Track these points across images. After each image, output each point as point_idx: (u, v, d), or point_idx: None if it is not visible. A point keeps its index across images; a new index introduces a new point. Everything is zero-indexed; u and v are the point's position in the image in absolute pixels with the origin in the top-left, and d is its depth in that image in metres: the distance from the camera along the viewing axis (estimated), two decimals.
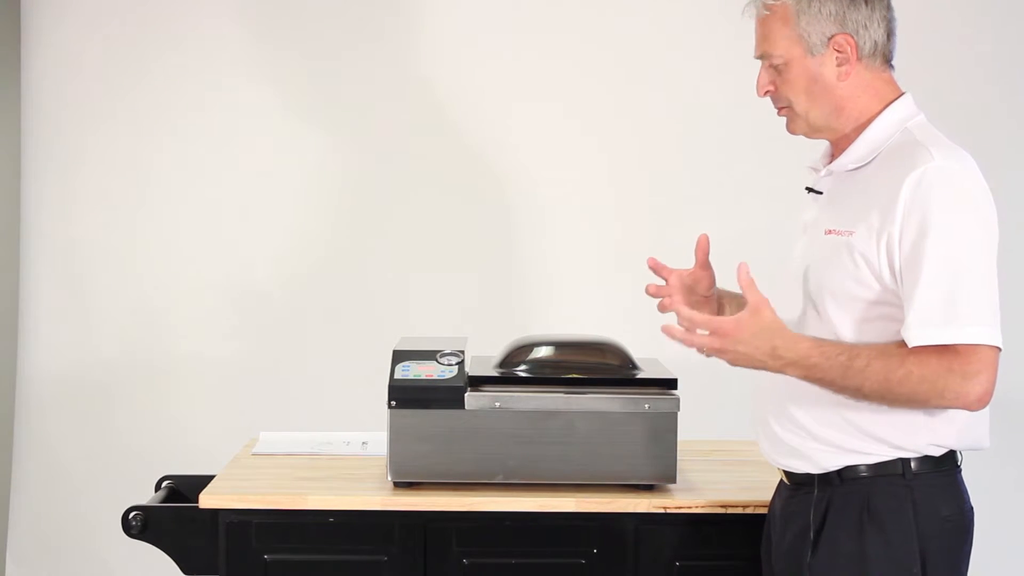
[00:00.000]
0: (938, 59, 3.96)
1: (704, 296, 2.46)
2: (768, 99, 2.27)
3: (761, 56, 2.22)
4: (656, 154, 4.06)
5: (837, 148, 2.24)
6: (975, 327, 2.00)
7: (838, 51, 2.16)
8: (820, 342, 2.07)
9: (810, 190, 2.28)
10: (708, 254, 2.41)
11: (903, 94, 2.21)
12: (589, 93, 4.05)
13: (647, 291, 2.42)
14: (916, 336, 2.01)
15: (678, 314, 2.12)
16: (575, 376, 2.64)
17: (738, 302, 2.44)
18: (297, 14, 4.05)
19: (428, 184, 4.07)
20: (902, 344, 2.04)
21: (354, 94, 4.07)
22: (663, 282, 2.44)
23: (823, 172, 2.25)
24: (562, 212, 4.07)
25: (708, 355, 2.11)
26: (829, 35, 2.15)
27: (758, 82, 2.23)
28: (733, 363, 2.10)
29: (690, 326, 2.09)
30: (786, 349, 2.06)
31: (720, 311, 2.48)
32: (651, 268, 2.44)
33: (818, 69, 2.17)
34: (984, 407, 2.02)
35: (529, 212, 4.08)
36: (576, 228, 4.07)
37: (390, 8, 4.06)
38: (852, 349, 2.05)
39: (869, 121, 2.17)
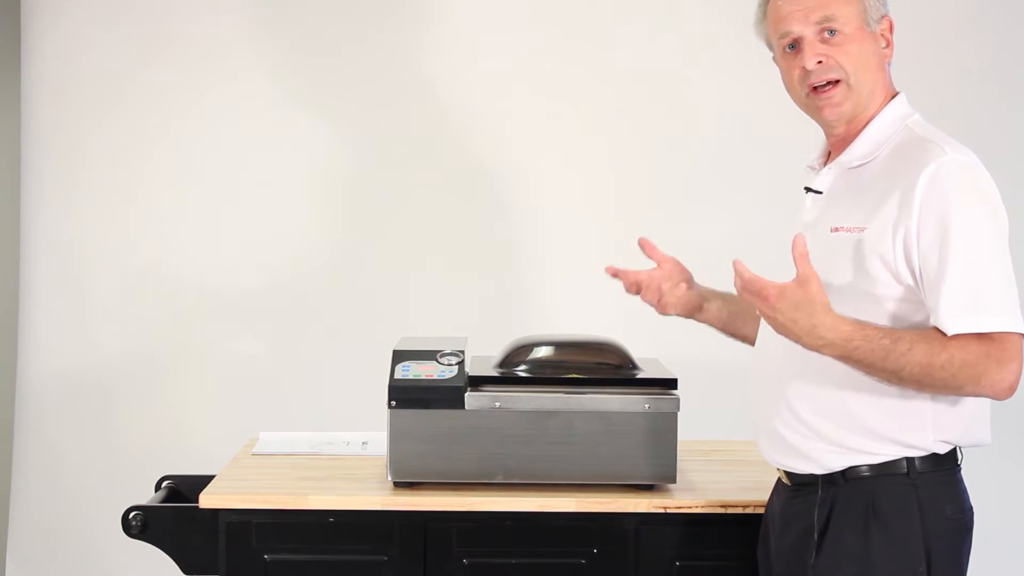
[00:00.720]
0: (935, 58, 3.96)
1: (687, 285, 2.53)
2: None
3: (822, 20, 2.15)
4: (656, 154, 4.06)
5: (835, 147, 2.24)
6: (1004, 315, 2.00)
7: (882, 34, 2.17)
8: (862, 325, 2.03)
9: (809, 190, 2.27)
10: (655, 249, 2.51)
11: (899, 93, 2.21)
12: (591, 94, 4.05)
13: (628, 289, 2.52)
14: (952, 325, 2.00)
15: (735, 268, 2.04)
16: (575, 376, 2.64)
17: (723, 299, 2.51)
18: (297, 15, 4.05)
19: (428, 184, 4.07)
20: (937, 330, 2.03)
21: (355, 95, 4.07)
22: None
23: (823, 171, 2.24)
24: (563, 212, 4.07)
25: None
26: (882, 14, 2.17)
27: (808, 51, 2.15)
28: (774, 329, 2.05)
29: (741, 281, 2.04)
30: (827, 329, 2.01)
31: (701, 306, 2.53)
32: (611, 275, 2.54)
33: (873, 44, 2.16)
34: (1012, 395, 2.02)
35: (530, 212, 4.08)
36: (576, 228, 4.07)
37: (392, 7, 4.06)
38: (894, 333, 2.03)
39: (871, 117, 2.17)
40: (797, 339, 2.03)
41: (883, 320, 2.08)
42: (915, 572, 2.09)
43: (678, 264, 2.53)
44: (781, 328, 2.03)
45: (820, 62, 2.15)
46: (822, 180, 2.24)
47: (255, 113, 4.06)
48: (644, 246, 2.52)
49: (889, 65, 2.22)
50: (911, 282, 2.07)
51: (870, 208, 2.10)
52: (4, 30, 4.07)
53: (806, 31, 2.16)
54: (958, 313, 2.00)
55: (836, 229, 2.15)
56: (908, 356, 2.00)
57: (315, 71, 4.07)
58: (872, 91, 2.17)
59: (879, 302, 2.09)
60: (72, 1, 4.05)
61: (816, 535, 2.15)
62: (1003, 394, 2.01)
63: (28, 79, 4.08)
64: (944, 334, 2.01)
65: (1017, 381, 2.01)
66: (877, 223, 2.08)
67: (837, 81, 2.15)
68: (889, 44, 2.18)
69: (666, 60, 4.05)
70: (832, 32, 2.14)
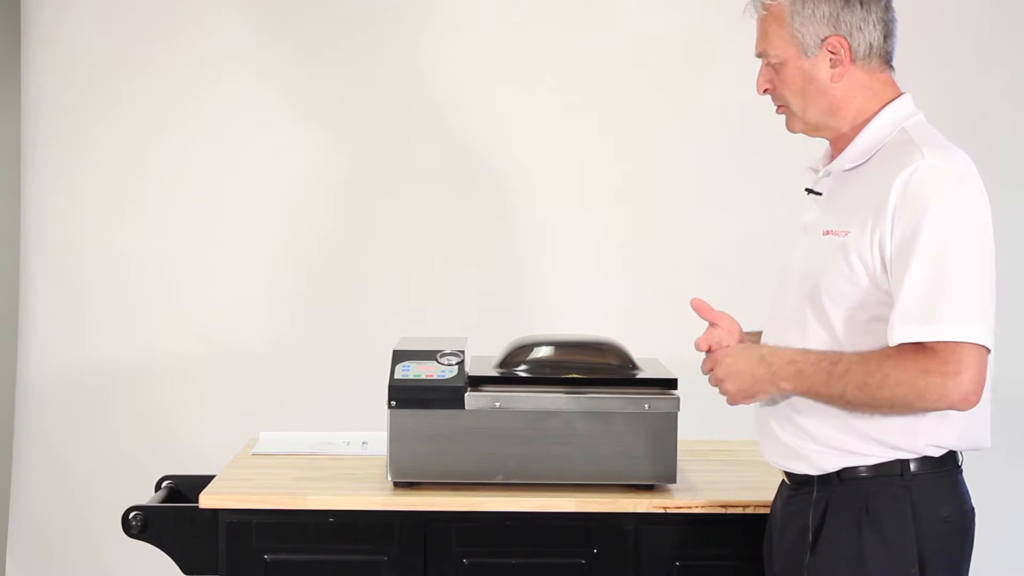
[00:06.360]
0: (940, 58, 3.96)
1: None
2: (769, 99, 2.28)
3: (760, 54, 2.24)
4: (659, 153, 4.06)
5: (836, 149, 2.25)
6: (955, 325, 2.00)
7: (832, 52, 2.17)
8: (805, 350, 2.13)
9: (810, 191, 2.28)
10: (710, 309, 2.34)
11: (902, 94, 2.21)
12: (594, 92, 4.05)
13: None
14: (896, 334, 2.03)
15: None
16: (575, 376, 2.63)
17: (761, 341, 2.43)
18: (296, 13, 4.05)
19: (428, 183, 4.07)
20: (884, 348, 2.06)
21: (355, 93, 4.07)
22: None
23: (822, 173, 2.25)
24: (563, 212, 4.07)
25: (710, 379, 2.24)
26: (823, 37, 2.17)
27: (757, 80, 2.26)
28: (732, 388, 2.20)
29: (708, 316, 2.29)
30: (772, 355, 2.15)
31: None
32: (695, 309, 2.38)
33: (812, 70, 2.18)
34: (972, 406, 2.02)
35: (530, 212, 4.08)
36: (577, 228, 4.07)
37: (391, 4, 4.06)
38: (834, 355, 2.09)
39: (866, 121, 2.18)
40: (752, 377, 2.17)
41: (869, 324, 2.10)
42: (908, 574, 2.09)
43: (733, 321, 2.37)
44: (736, 376, 2.20)
45: (766, 90, 2.26)
46: (822, 182, 2.26)
47: (254, 112, 4.05)
48: (698, 309, 2.34)
49: (890, 68, 2.20)
50: (887, 286, 2.08)
51: (853, 212, 2.12)
52: (4, 30, 4.07)
53: (759, 58, 2.26)
54: (904, 322, 2.02)
55: (827, 232, 2.16)
56: (846, 378, 2.06)
57: (315, 69, 4.06)
58: (827, 111, 2.19)
59: (864, 305, 2.10)
60: (72, 1, 4.05)
61: (811, 535, 2.16)
62: (958, 406, 2.02)
63: (28, 79, 4.08)
64: (888, 350, 2.04)
65: (972, 392, 2.00)
66: (858, 227, 2.10)
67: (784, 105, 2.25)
68: (843, 61, 2.17)
69: (670, 56, 4.04)
70: (772, 64, 2.22)
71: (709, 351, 2.28)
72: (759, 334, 2.41)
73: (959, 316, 2.00)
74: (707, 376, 2.26)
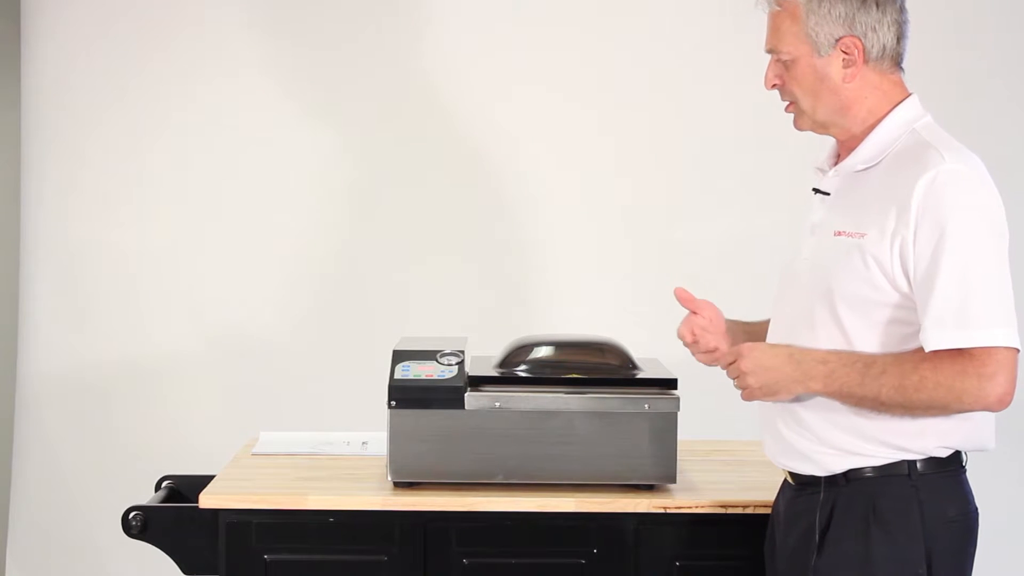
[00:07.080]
0: (944, 58, 3.95)
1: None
2: (775, 96, 2.27)
3: (770, 50, 2.22)
4: (659, 154, 4.06)
5: (844, 149, 2.24)
6: (989, 329, 2.01)
7: (845, 53, 2.16)
8: (834, 350, 2.11)
9: (817, 191, 2.28)
10: (692, 299, 2.35)
11: (910, 95, 2.21)
12: (596, 92, 4.05)
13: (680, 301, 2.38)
14: (932, 340, 2.03)
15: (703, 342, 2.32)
16: (575, 376, 2.63)
17: (745, 331, 2.43)
18: (298, 13, 4.05)
19: (429, 183, 4.07)
20: (917, 351, 2.06)
21: (357, 93, 4.06)
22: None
23: (830, 173, 2.25)
24: (564, 212, 4.07)
25: (736, 383, 2.22)
26: (837, 37, 2.16)
27: (766, 75, 2.24)
28: (755, 383, 2.17)
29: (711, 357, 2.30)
30: (801, 354, 2.12)
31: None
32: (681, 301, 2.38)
33: (824, 69, 2.17)
34: (1006, 407, 2.03)
35: (530, 212, 4.08)
36: (577, 228, 4.07)
37: (394, 4, 4.05)
38: (867, 356, 2.08)
39: (877, 122, 2.18)
40: (781, 374, 2.14)
41: (885, 325, 2.10)
42: (915, 574, 2.09)
43: (716, 310, 2.37)
44: (763, 373, 2.16)
45: (775, 85, 2.24)
46: (829, 182, 2.25)
47: (255, 113, 4.05)
48: (681, 298, 2.34)
49: (900, 69, 2.19)
50: (907, 290, 2.08)
51: (870, 214, 2.11)
52: (4, 31, 4.07)
53: (767, 60, 2.24)
54: (941, 327, 2.02)
55: (839, 233, 2.15)
56: (881, 379, 2.05)
57: (316, 70, 4.06)
58: (838, 110, 2.18)
59: (879, 307, 2.10)
60: (72, 1, 4.05)
61: (817, 536, 2.16)
62: (994, 407, 2.03)
63: (28, 79, 4.08)
64: (922, 353, 2.04)
65: (1008, 393, 2.01)
66: (876, 230, 2.09)
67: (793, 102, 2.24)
68: (856, 62, 2.17)
69: (669, 59, 4.04)
70: (782, 60, 2.21)
71: (695, 342, 2.31)
72: (743, 323, 2.43)
73: (991, 320, 2.01)
74: (727, 367, 2.23)
